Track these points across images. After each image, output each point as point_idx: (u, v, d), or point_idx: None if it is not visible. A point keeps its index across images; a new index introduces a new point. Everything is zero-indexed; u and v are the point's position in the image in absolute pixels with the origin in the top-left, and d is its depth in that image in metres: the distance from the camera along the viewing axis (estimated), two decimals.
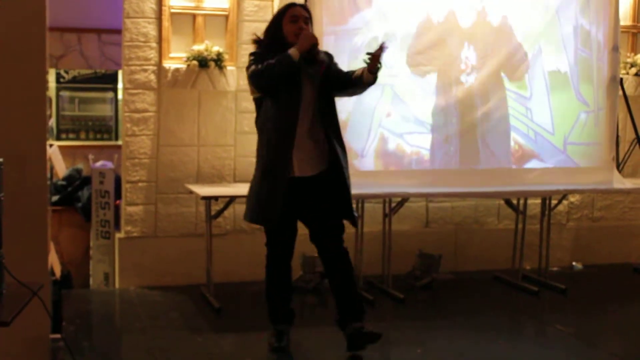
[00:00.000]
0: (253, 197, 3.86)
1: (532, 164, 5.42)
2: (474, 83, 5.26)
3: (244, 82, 5.22)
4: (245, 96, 5.27)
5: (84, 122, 7.22)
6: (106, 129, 7.26)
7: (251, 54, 3.85)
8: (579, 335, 4.60)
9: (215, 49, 5.25)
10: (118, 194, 5.63)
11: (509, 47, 5.34)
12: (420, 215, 5.90)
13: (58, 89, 7.14)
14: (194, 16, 5.34)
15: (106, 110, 7.25)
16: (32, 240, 3.38)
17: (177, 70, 5.25)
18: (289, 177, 3.75)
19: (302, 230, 3.93)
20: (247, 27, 5.34)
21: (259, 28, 5.29)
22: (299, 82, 3.75)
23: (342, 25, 5.00)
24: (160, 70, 5.27)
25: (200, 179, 5.40)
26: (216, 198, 4.86)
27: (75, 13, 6.73)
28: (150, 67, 5.27)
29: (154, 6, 5.22)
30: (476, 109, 5.27)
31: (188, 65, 5.23)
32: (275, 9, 5.24)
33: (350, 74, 3.86)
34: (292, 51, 3.67)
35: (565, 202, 6.16)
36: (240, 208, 5.14)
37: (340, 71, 3.93)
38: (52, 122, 6.90)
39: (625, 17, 6.24)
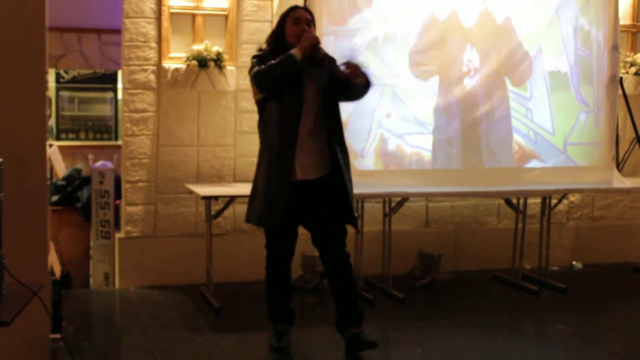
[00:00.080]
0: (258, 200, 3.84)
1: (532, 165, 5.42)
2: (475, 83, 5.26)
3: (244, 82, 5.23)
4: (244, 96, 5.28)
5: (83, 122, 7.21)
6: (106, 129, 7.25)
7: (254, 57, 3.86)
8: (579, 335, 4.60)
9: (215, 49, 5.25)
10: (118, 194, 5.63)
11: (510, 47, 5.33)
12: (420, 215, 5.90)
13: (58, 89, 7.14)
14: (194, 16, 5.34)
15: (106, 110, 7.24)
16: (32, 240, 3.38)
17: (176, 70, 5.25)
18: (292, 181, 3.75)
19: (302, 230, 3.92)
20: (246, 27, 5.34)
21: (259, 28, 5.35)
22: (301, 83, 3.75)
23: (342, 25, 4.99)
24: (159, 70, 5.27)
25: (200, 179, 5.40)
26: (216, 198, 4.86)
27: (75, 13, 6.72)
28: (150, 67, 5.27)
29: (153, 6, 5.22)
30: (478, 108, 5.27)
31: (188, 65, 5.23)
32: (275, 9, 5.26)
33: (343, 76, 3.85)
34: (294, 51, 3.68)
35: (565, 201, 6.16)
36: (240, 208, 5.15)
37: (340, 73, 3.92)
38: (52, 122, 6.89)
39: (625, 16, 6.24)
